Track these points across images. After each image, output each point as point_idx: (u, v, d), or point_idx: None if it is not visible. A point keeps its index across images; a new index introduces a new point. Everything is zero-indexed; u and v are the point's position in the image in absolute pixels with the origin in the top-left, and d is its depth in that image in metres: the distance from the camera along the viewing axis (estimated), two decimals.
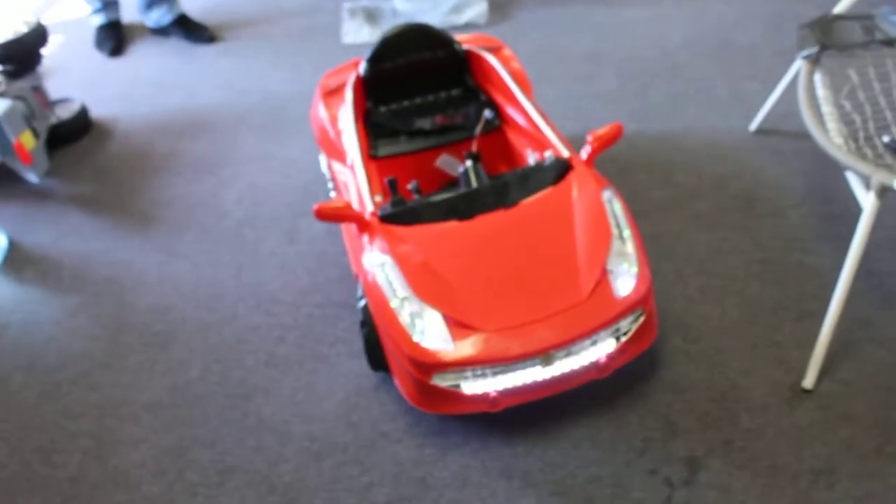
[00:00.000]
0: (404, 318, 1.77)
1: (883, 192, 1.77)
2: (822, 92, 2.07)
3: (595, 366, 1.80)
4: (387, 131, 2.43)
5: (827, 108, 2.01)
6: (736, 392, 1.97)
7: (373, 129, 2.43)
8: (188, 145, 3.15)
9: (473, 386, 1.77)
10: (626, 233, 1.87)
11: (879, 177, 1.75)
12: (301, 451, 1.99)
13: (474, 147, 2.31)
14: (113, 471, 2.01)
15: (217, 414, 2.11)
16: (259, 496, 1.90)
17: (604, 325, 1.75)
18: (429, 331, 1.75)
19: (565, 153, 2.07)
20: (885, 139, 1.93)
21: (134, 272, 2.59)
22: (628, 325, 1.82)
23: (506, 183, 1.97)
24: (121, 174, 3.04)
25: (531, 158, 2.19)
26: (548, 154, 2.05)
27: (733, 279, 2.26)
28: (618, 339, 1.82)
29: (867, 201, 1.80)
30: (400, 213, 1.97)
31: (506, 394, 1.80)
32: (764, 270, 2.27)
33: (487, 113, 2.34)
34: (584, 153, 2.03)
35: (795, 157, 2.66)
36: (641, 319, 1.83)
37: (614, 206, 1.90)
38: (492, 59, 2.38)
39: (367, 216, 1.99)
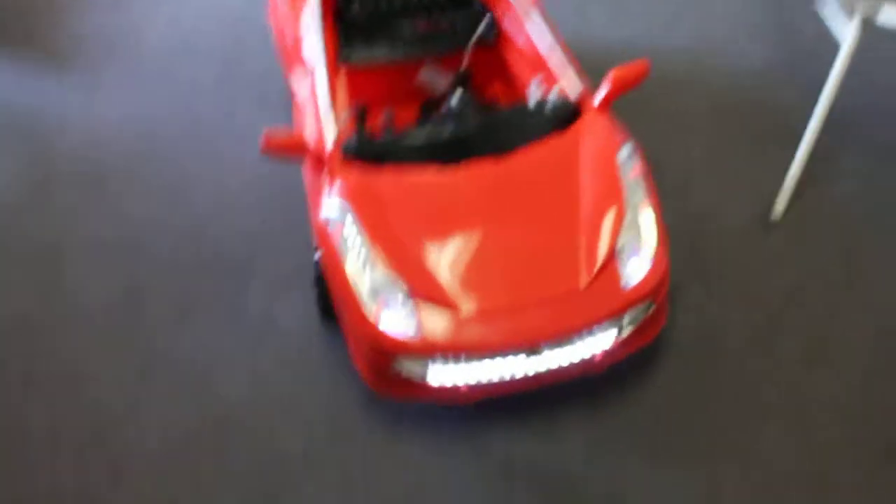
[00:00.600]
0: (362, 288, 1.45)
1: (866, 24, 1.75)
2: None
3: (588, 362, 1.52)
4: (361, 34, 2.01)
5: None
6: (713, 218, 1.97)
7: (345, 30, 2.01)
8: None
9: (441, 375, 1.46)
10: (644, 202, 1.53)
11: (864, 5, 1.73)
12: (267, 282, 1.89)
13: (465, 63, 1.93)
14: (60, 314, 1.88)
15: (167, 250, 1.99)
16: (224, 330, 1.81)
17: (604, 319, 1.47)
18: (391, 308, 1.43)
19: (576, 91, 1.68)
20: None
21: (52, 113, 2.36)
22: (635, 315, 1.53)
23: (501, 121, 1.63)
24: (24, 5, 2.73)
25: (534, 92, 1.79)
26: (553, 91, 1.70)
27: (701, 117, 2.23)
28: (620, 330, 1.52)
29: (848, 33, 1.78)
30: (368, 150, 1.60)
31: (480, 386, 1.50)
32: (737, 103, 2.24)
33: (484, 23, 1.96)
34: (600, 95, 1.66)
35: None
36: (651, 310, 1.54)
37: (631, 170, 1.56)
38: None
39: (328, 149, 1.62)
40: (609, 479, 1.52)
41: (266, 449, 1.61)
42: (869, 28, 1.74)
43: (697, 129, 2.19)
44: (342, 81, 1.86)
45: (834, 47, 1.78)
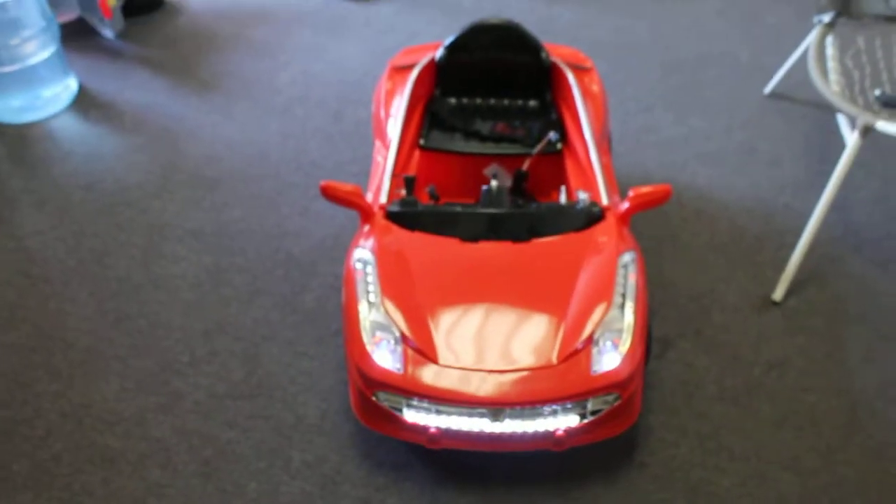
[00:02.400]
0: (365, 323, 1.66)
1: (866, 132, 2.01)
2: (830, 51, 2.32)
3: (550, 437, 1.62)
4: (444, 125, 2.21)
5: (832, 64, 2.26)
6: (713, 294, 2.22)
7: (431, 118, 2.23)
8: (251, 30, 3.39)
9: (415, 416, 1.63)
10: (629, 305, 1.67)
11: (864, 118, 2.00)
12: (324, 285, 2.25)
13: (526, 165, 2.09)
14: (155, 277, 2.28)
15: (252, 247, 2.37)
16: (282, 314, 2.17)
17: (566, 399, 1.58)
18: (383, 346, 1.63)
19: (604, 201, 1.87)
20: (877, 92, 2.17)
21: (189, 126, 2.84)
22: (599, 405, 1.63)
23: (526, 215, 1.82)
24: (186, 46, 3.29)
25: (563, 195, 1.97)
26: (582, 196, 1.86)
27: (726, 208, 2.50)
28: (583, 416, 1.62)
29: (851, 139, 2.05)
30: (406, 214, 1.82)
31: (448, 435, 1.64)
32: (755, 206, 2.51)
33: (552, 135, 2.12)
34: (620, 209, 1.83)
35: (801, 120, 2.89)
36: (616, 403, 1.63)
37: (628, 273, 1.72)
38: (570, 78, 2.18)
39: (376, 208, 1.86)
40: None
41: (283, 414, 1.94)
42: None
43: (724, 217, 2.44)
44: (415, 161, 2.13)
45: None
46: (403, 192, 1.97)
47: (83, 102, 2.94)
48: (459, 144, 2.17)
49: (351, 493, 1.78)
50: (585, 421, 1.63)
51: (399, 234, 1.82)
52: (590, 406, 1.62)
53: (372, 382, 1.65)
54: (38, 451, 1.86)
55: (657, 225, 2.40)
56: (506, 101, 2.28)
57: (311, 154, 2.69)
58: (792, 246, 2.29)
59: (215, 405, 1.94)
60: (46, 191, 2.56)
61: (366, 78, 3.06)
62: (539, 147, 2.12)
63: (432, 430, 1.64)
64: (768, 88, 2.97)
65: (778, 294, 2.17)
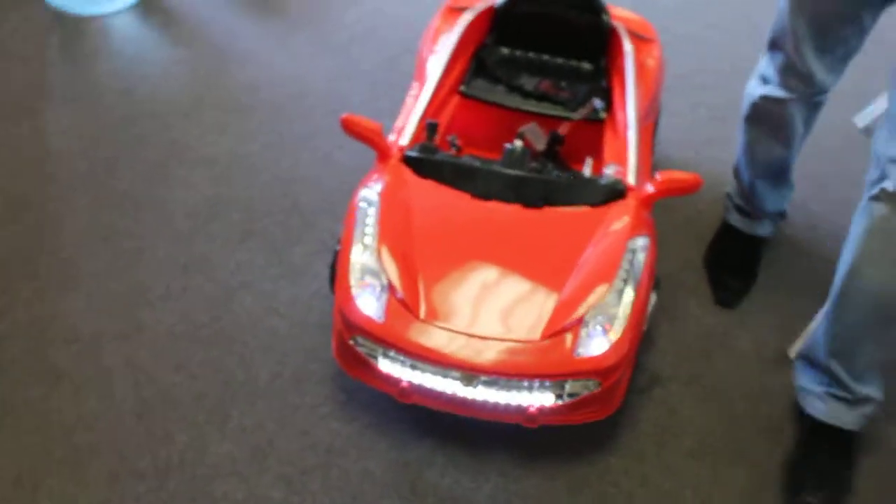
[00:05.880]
0: (355, 265, 1.60)
1: None
2: None
3: (522, 412, 1.56)
4: (489, 74, 2.10)
5: None
6: (725, 337, 2.01)
7: (477, 65, 2.12)
8: None
9: (389, 367, 1.58)
10: (629, 291, 1.57)
11: None
12: (318, 240, 2.14)
13: (563, 130, 1.97)
14: (156, 198, 2.23)
15: (259, 186, 2.28)
16: (267, 262, 2.08)
17: (543, 377, 1.52)
18: (369, 291, 1.57)
19: (630, 181, 1.76)
20: None
21: (241, 48, 2.76)
22: (578, 389, 1.55)
23: (543, 181, 1.73)
24: None
25: (587, 167, 1.90)
26: (608, 172, 1.77)
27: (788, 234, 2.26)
28: (559, 397, 1.55)
29: None
30: (422, 161, 1.74)
31: (418, 391, 1.58)
32: (815, 238, 2.25)
33: (597, 102, 2.00)
34: (645, 191, 1.72)
35: None
36: (595, 390, 1.56)
37: (636, 259, 1.61)
38: (626, 46, 2.05)
39: (395, 149, 1.77)
40: None
41: (234, 369, 1.86)
42: None
43: None
44: (451, 107, 2.00)
45: None
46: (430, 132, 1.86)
47: (149, 4, 2.89)
48: (500, 96, 2.05)
49: (275, 468, 1.70)
50: (561, 402, 1.55)
51: (411, 181, 1.72)
52: (567, 388, 1.54)
53: (352, 326, 1.58)
54: None
55: (692, 246, 2.19)
56: (557, 60, 2.14)
57: (352, 100, 2.57)
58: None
59: (170, 345, 1.89)
60: (82, 88, 2.54)
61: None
62: (581, 112, 1.99)
63: (404, 383, 1.58)
64: (862, 122, 2.63)
65: (794, 350, 1.94)
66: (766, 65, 1.82)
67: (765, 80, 1.82)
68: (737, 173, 2.06)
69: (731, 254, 2.12)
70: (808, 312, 1.92)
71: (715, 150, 2.42)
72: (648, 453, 1.77)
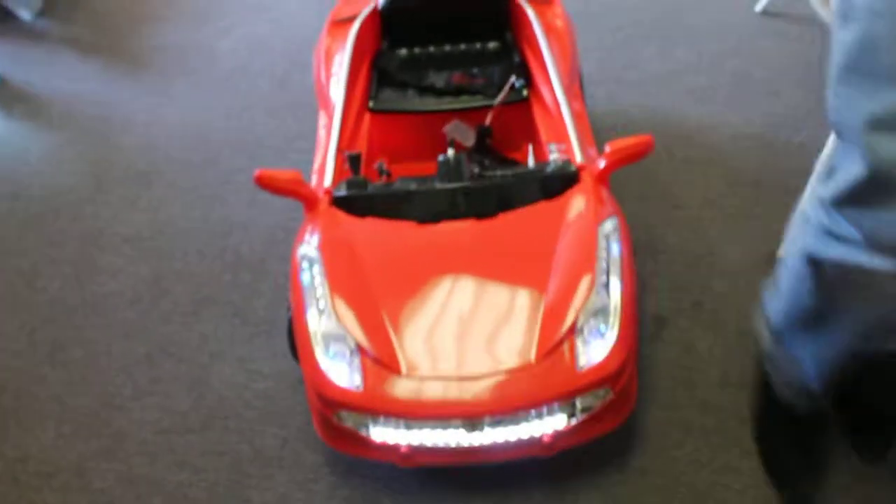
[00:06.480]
0: (316, 336, 1.43)
1: None
2: None
3: (537, 442, 1.41)
4: (394, 82, 1.95)
5: None
6: (712, 257, 1.98)
7: (379, 76, 1.96)
8: None
9: (383, 434, 1.42)
10: (615, 283, 1.44)
11: None
12: (277, 287, 2.01)
13: (489, 119, 1.83)
14: (91, 296, 2.04)
15: (195, 249, 2.13)
16: (232, 326, 1.94)
17: (551, 400, 1.37)
18: (339, 360, 1.41)
19: (578, 159, 1.63)
20: None
21: (122, 113, 2.58)
22: (589, 402, 1.41)
23: (490, 187, 1.58)
24: (116, 18, 3.00)
25: (531, 158, 1.76)
26: (554, 156, 1.65)
27: (720, 152, 2.24)
28: (572, 416, 1.41)
29: None
30: (354, 199, 1.57)
31: (421, 451, 1.42)
32: (753, 146, 2.25)
33: (515, 80, 1.87)
34: (598, 167, 1.58)
35: (797, 42, 2.60)
36: (609, 398, 1.42)
37: (611, 245, 1.48)
38: (530, 13, 1.92)
39: (321, 192, 1.61)
40: None
41: (239, 447, 1.72)
42: None
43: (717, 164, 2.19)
44: (365, 128, 1.85)
45: None
46: (353, 154, 1.73)
47: (5, 97, 2.68)
48: (413, 102, 1.92)
49: None
50: (575, 421, 1.41)
51: (348, 224, 1.56)
52: (579, 404, 1.40)
53: (331, 403, 1.43)
54: None
55: (642, 180, 2.14)
56: (462, 47, 2.02)
57: (256, 132, 2.43)
58: (798, 189, 2.02)
59: (162, 443, 1.74)
60: None
61: (314, 36, 2.75)
62: (501, 96, 1.86)
63: (404, 448, 1.42)
64: (759, 6, 2.66)
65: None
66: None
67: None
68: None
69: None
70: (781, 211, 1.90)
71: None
72: (681, 398, 1.72)
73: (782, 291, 1.36)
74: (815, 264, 1.21)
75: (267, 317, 1.94)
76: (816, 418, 1.50)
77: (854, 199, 1.06)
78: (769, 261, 1.92)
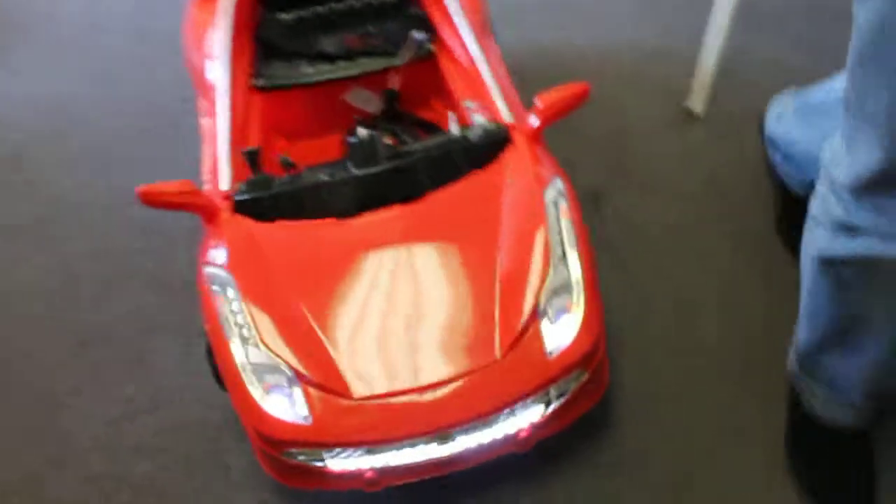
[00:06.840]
0: (245, 369, 1.24)
1: None
2: None
3: (512, 440, 1.29)
4: (280, 53, 1.73)
5: None
6: (635, 120, 1.98)
7: (263, 49, 1.73)
8: None
9: (342, 463, 1.27)
10: (571, 253, 1.30)
11: None
12: (193, 244, 1.87)
13: (394, 82, 1.67)
14: None
15: (97, 224, 1.96)
16: (157, 295, 1.82)
17: (525, 396, 1.24)
18: (278, 394, 1.23)
19: (505, 117, 1.46)
20: None
21: None
22: (564, 387, 1.30)
23: (411, 165, 1.38)
24: None
25: (452, 124, 1.51)
26: (477, 119, 1.48)
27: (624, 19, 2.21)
28: (548, 405, 1.30)
29: None
30: (258, 202, 1.36)
31: (387, 473, 1.28)
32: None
33: (416, 34, 1.69)
34: (532, 122, 1.41)
35: None
36: (584, 378, 1.31)
37: (560, 210, 1.33)
38: None
39: (218, 198, 1.38)
40: None
41: (206, 408, 1.61)
42: None
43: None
44: (257, 110, 1.62)
45: None
46: (251, 150, 1.50)
47: None
48: (306, 73, 1.70)
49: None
50: (551, 409, 1.30)
51: (257, 232, 1.34)
52: (553, 392, 1.29)
53: (276, 442, 1.25)
54: None
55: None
56: (353, 3, 1.76)
57: (125, 90, 2.24)
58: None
59: (114, 434, 1.60)
60: None
61: None
62: (405, 54, 1.70)
63: (368, 473, 1.27)
64: None
65: (696, 105, 1.94)
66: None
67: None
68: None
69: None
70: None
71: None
72: (628, 259, 1.72)
73: (802, 314, 1.32)
74: (829, 265, 1.17)
75: (190, 278, 1.79)
76: (858, 431, 1.42)
77: (874, 185, 1.03)
78: (684, 119, 1.93)
